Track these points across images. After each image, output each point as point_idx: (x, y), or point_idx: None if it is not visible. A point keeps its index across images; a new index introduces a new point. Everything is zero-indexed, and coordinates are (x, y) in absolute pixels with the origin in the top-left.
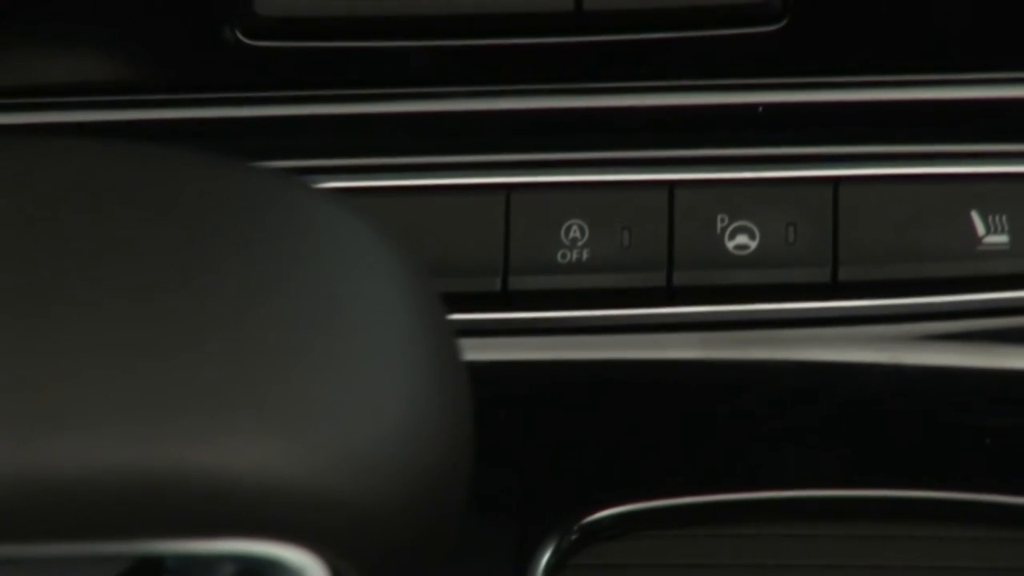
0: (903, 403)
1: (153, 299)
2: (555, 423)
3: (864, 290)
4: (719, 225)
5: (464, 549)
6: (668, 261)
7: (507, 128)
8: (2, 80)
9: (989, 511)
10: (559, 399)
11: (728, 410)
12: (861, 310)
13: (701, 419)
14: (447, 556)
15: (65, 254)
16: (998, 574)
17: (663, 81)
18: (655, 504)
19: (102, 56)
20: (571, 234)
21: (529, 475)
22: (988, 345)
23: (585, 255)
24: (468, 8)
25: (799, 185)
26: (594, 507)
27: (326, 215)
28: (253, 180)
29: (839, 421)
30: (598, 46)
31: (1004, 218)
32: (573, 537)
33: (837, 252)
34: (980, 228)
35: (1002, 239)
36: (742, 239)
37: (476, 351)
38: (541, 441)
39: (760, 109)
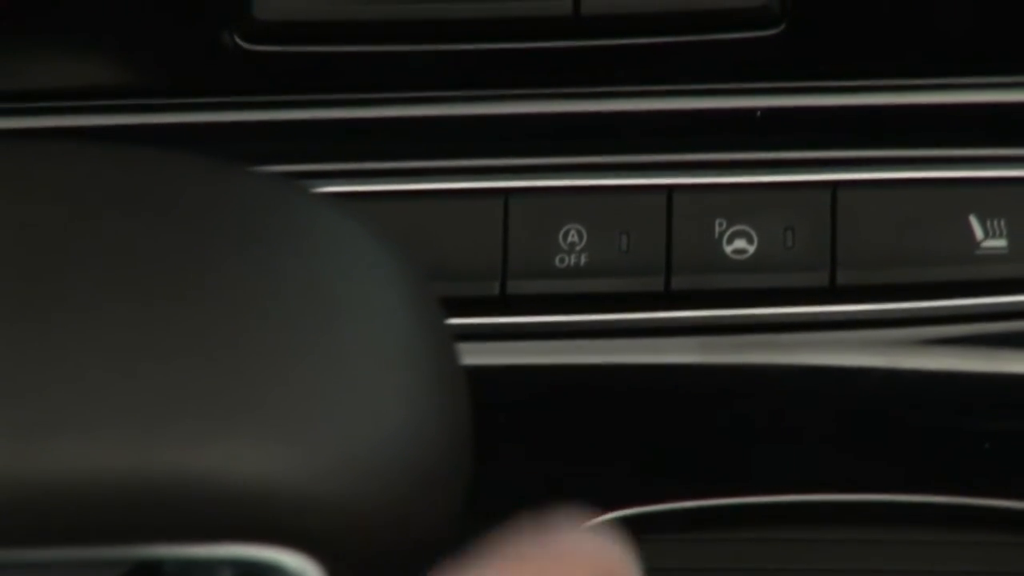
0: (901, 407)
1: (151, 303)
2: (553, 427)
3: (862, 294)
4: (717, 229)
5: (461, 553)
6: (666, 265)
7: (505, 132)
8: (1, 84)
9: (988, 515)
10: (558, 403)
11: (726, 414)
12: (859, 314)
13: (699, 423)
14: (444, 559)
15: (63, 257)
16: None
17: (661, 85)
18: (653, 509)
19: (101, 60)
20: (569, 238)
21: (527, 479)
22: (987, 349)
23: (583, 259)
24: (466, 12)
25: (797, 189)
26: (592, 512)
27: (324, 219)
28: (252, 184)
29: (837, 425)
30: (596, 50)
31: (1002, 222)
32: None
33: (835, 256)
34: (978, 232)
35: (1000, 243)
36: (740, 243)
37: (475, 355)
38: (540, 446)
39: (758, 113)
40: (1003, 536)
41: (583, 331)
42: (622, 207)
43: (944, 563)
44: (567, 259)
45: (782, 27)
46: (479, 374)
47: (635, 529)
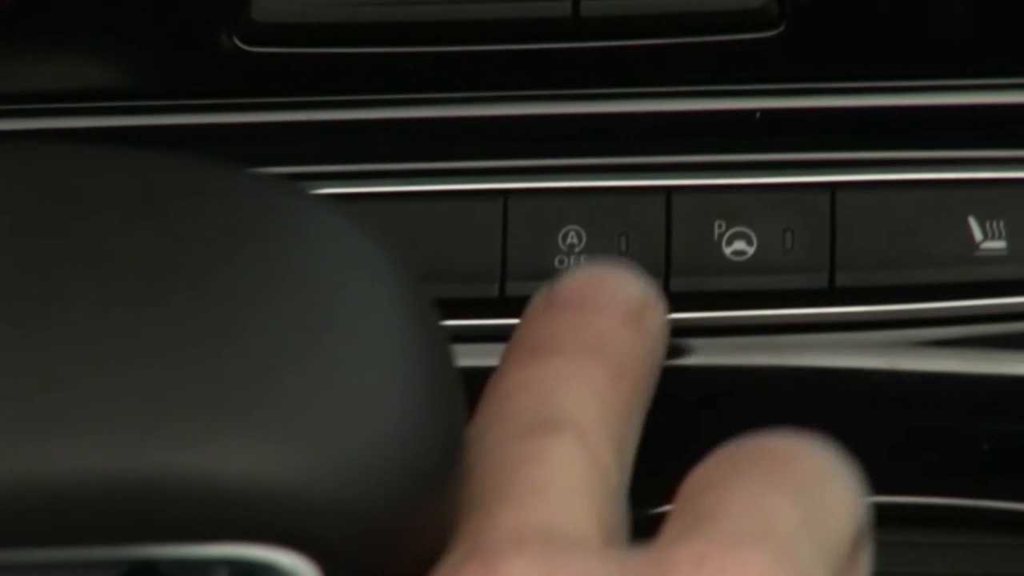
0: (900, 408)
1: (146, 303)
2: None
3: (861, 296)
4: (716, 231)
5: None
6: (665, 267)
7: (504, 134)
8: None
9: (986, 517)
10: None
11: (724, 416)
12: (858, 316)
13: (698, 425)
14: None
15: (59, 259)
16: None
17: (660, 87)
18: (651, 512)
19: (99, 62)
20: (568, 240)
21: None
22: (986, 351)
23: (583, 261)
24: (465, 14)
25: (796, 191)
26: None
27: (319, 220)
28: (249, 186)
29: (836, 427)
30: (595, 52)
31: (1001, 224)
32: None
33: (834, 258)
34: (977, 234)
35: (1000, 245)
36: (739, 245)
37: (472, 357)
38: None
39: (757, 115)
40: (1001, 538)
41: None
42: (621, 209)
43: (941, 565)
44: (566, 260)
45: (781, 29)
46: (479, 375)
47: (633, 532)
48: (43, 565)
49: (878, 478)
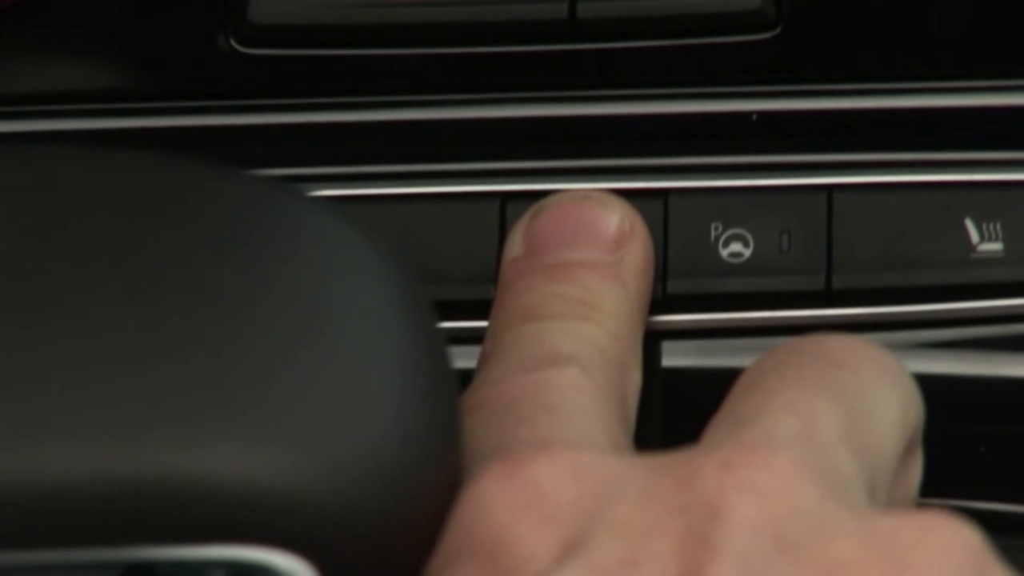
0: None
1: (142, 305)
2: None
3: (858, 298)
4: (713, 233)
5: None
6: (662, 269)
7: (501, 136)
8: None
9: (984, 518)
10: None
11: None
12: (855, 318)
13: (698, 425)
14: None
15: (54, 261)
16: None
17: (657, 89)
18: None
19: (95, 64)
20: None
21: None
22: (982, 353)
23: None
24: (461, 16)
25: (793, 193)
26: None
27: (318, 223)
28: (246, 187)
29: None
30: (592, 54)
31: (998, 226)
32: None
33: (831, 260)
34: (974, 236)
35: (996, 247)
36: (736, 247)
37: (470, 359)
38: None
39: (754, 117)
40: (999, 540)
41: None
42: None
43: None
44: None
45: (778, 30)
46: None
47: None
48: (39, 567)
49: None
